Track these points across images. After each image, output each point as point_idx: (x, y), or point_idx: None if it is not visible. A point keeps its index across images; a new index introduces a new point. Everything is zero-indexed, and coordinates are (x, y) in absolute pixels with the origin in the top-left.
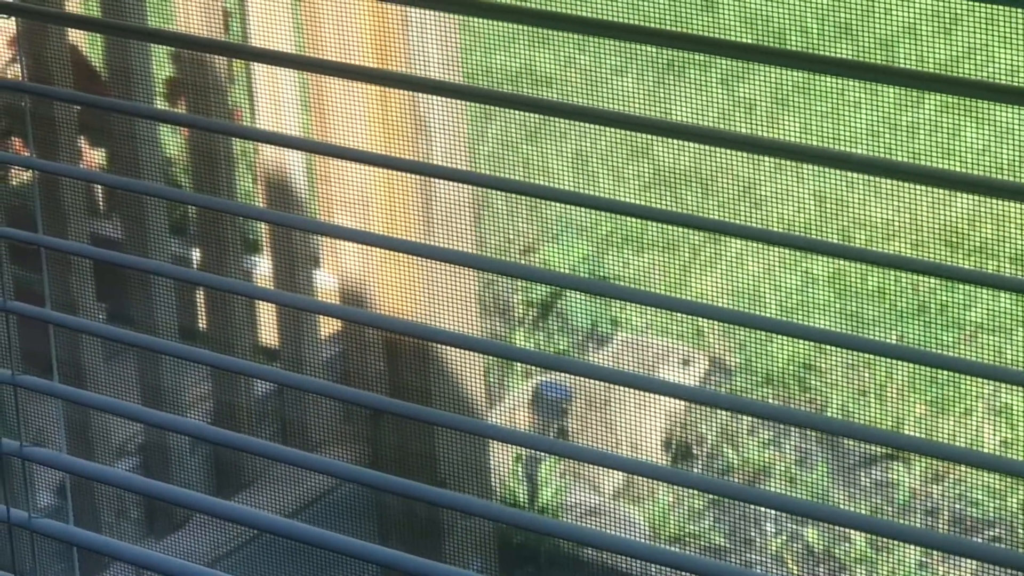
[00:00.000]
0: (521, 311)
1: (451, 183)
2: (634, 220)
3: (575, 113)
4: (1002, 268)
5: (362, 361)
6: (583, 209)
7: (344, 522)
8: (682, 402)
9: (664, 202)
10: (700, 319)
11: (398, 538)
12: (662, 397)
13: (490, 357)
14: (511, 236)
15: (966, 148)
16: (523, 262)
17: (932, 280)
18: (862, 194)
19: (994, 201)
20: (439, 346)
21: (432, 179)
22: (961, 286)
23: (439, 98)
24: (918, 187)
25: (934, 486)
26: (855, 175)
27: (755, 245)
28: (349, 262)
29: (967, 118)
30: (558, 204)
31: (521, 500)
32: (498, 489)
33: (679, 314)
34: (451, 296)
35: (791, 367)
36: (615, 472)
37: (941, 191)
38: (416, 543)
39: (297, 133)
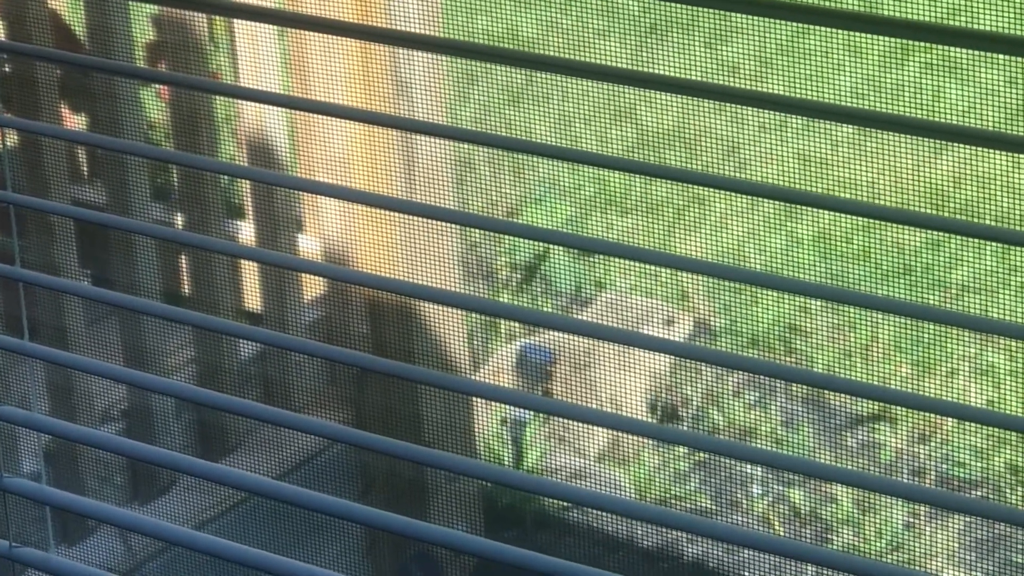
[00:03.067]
0: (505, 274)
1: (433, 147)
2: (617, 183)
3: (561, 67)
4: None
5: (345, 324)
6: (566, 172)
7: (329, 486)
8: (666, 364)
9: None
10: (684, 280)
11: (383, 502)
12: (646, 359)
13: (473, 319)
14: (494, 199)
15: (950, 108)
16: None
17: (916, 241)
18: (846, 155)
19: (978, 161)
20: (422, 309)
21: (414, 143)
22: (946, 247)
23: (420, 62)
24: (901, 148)
25: (920, 447)
26: (839, 136)
27: (739, 207)
28: (331, 226)
29: (950, 79)
30: (541, 167)
31: (506, 463)
32: (483, 452)
33: (663, 275)
34: (435, 259)
35: (776, 329)
36: (599, 434)
37: (924, 152)
38: (401, 506)
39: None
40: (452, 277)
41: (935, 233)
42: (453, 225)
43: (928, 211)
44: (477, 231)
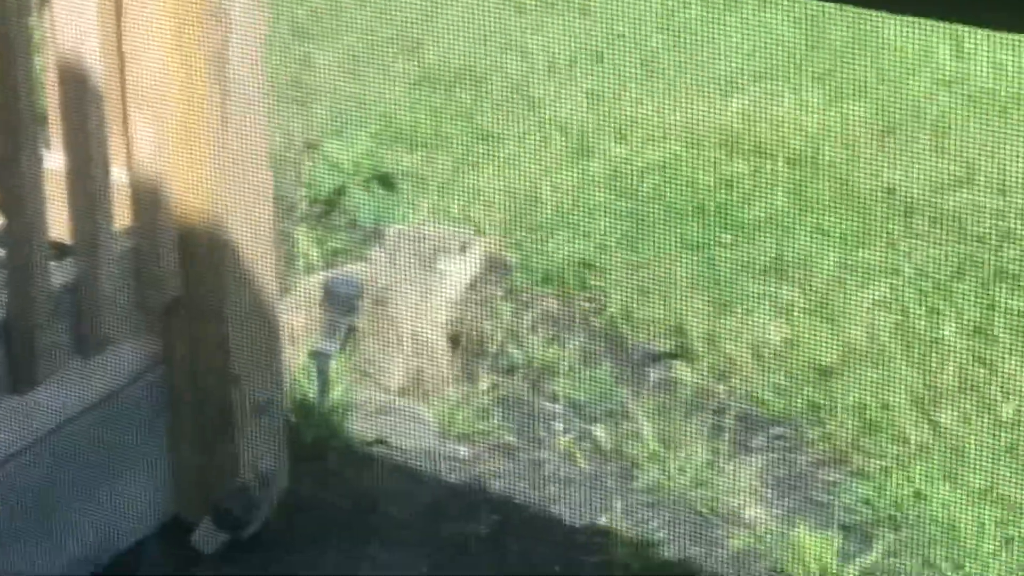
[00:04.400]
0: (305, 207)
1: (248, 76)
2: (407, 118)
3: None
4: (777, 169)
5: (155, 255)
6: (363, 106)
7: (135, 422)
8: (463, 295)
9: (435, 100)
10: (478, 216)
11: (190, 436)
12: (444, 290)
13: (282, 256)
14: (301, 130)
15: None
16: (307, 157)
17: (709, 180)
18: (636, 94)
19: (769, 103)
20: (232, 240)
21: (228, 76)
22: (739, 187)
23: None
24: (693, 87)
25: (719, 385)
26: (628, 76)
27: (531, 144)
28: (143, 156)
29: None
30: (341, 102)
31: (311, 398)
32: (289, 386)
33: (454, 210)
34: (245, 190)
35: (570, 266)
36: (400, 369)
37: (714, 92)
38: (208, 441)
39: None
40: (264, 210)
41: (728, 172)
42: (263, 157)
43: (720, 152)
44: (278, 164)
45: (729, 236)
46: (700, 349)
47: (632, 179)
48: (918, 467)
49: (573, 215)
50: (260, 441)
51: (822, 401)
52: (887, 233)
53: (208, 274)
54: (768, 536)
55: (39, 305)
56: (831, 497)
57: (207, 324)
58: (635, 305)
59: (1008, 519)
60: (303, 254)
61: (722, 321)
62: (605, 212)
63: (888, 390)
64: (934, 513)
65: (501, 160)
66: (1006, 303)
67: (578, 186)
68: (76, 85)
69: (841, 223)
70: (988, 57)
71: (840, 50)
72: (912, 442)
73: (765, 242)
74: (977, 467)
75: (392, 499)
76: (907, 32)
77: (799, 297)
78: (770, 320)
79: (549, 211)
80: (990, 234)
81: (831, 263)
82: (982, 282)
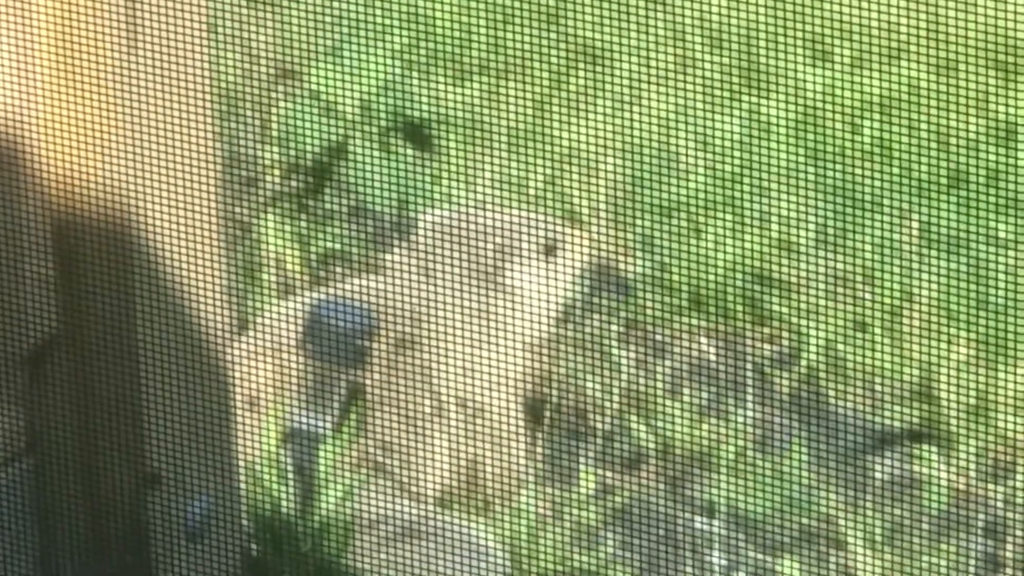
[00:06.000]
0: (277, 181)
1: None
2: (453, 26)
3: None
4: None
5: (15, 270)
6: (378, 6)
7: None
8: (548, 336)
9: None
10: (575, 191)
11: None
12: (520, 326)
13: (234, 266)
14: (262, 51)
15: None
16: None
17: (980, 130)
18: None
19: None
20: (145, 240)
21: None
22: None
23: None
24: None
25: (995, 486)
26: None
27: (661, 63)
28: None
29: None
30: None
31: (286, 510)
32: (248, 490)
33: (533, 176)
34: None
35: (735, 280)
36: (442, 462)
37: None
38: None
39: None
40: (201, 188)
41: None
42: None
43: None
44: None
45: (1009, 233)
46: (961, 426)
47: (841, 128)
48: None
49: (737, 191)
50: None
51: None
52: None
53: (104, 301)
54: None
55: None
56: None
57: (102, 382)
58: (850, 350)
59: None
60: (273, 261)
61: (999, 378)
62: (792, 186)
63: None
64: None
65: (610, 95)
66: None
67: (744, 139)
68: None
69: None
70: None
71: None
72: None
73: None
74: None
75: None
76: None
77: None
78: None
79: (695, 184)
80: None
81: None
82: None
